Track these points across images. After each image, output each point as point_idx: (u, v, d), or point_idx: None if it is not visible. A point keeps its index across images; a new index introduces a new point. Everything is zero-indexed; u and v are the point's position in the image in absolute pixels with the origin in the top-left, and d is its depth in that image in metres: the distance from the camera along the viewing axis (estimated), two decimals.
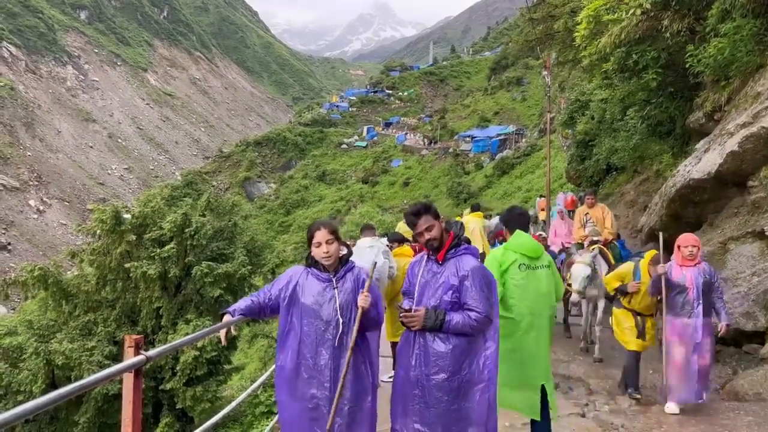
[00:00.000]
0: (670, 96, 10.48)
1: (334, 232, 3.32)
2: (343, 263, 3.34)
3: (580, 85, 23.00)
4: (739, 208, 7.53)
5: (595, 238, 7.99)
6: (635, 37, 9.25)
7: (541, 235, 9.33)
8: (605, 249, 7.89)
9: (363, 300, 3.16)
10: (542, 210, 20.96)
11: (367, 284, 3.22)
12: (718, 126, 8.24)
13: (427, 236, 3.32)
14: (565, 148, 37.18)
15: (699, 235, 8.23)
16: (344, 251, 3.38)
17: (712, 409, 5.37)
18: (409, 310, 3.27)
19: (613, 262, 7.65)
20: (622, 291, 5.84)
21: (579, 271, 6.86)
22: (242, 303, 3.38)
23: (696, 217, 8.57)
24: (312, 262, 3.36)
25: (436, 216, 3.36)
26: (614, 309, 6.05)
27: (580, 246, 8.56)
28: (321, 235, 3.28)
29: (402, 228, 15.05)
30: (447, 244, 3.34)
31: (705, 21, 8.51)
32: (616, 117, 14.28)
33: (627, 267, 6.00)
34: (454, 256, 3.33)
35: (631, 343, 5.79)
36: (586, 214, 9.34)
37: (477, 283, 3.21)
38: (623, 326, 5.87)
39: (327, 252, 3.26)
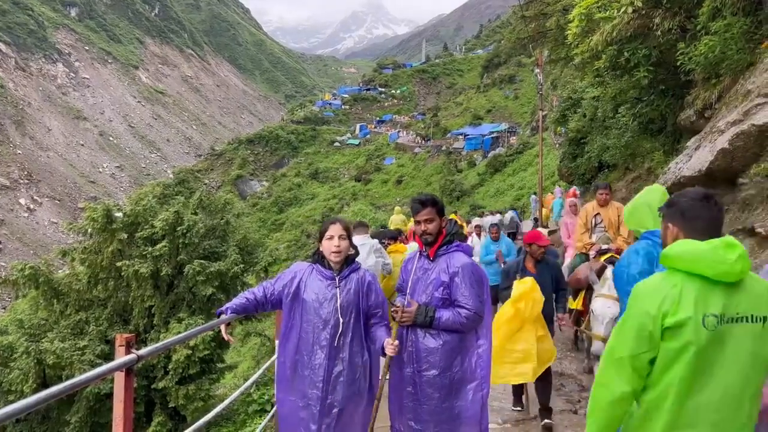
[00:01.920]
0: (662, 94, 10.53)
1: (347, 229, 3.32)
2: (348, 263, 3.31)
3: (572, 83, 23.09)
4: (730, 205, 7.57)
5: (605, 247, 6.20)
6: (627, 35, 9.29)
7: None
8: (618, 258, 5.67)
9: (392, 349, 3.14)
10: (543, 207, 20.73)
11: (393, 332, 3.20)
12: (709, 123, 8.28)
13: (424, 227, 3.34)
14: (557, 145, 37.32)
15: None
16: (352, 252, 3.36)
17: None
18: (402, 306, 3.29)
19: None
20: None
21: (604, 309, 4.83)
22: (237, 301, 3.35)
23: None
24: (318, 258, 3.33)
25: (441, 213, 3.38)
26: None
27: (585, 258, 6.65)
28: (335, 228, 3.27)
29: (394, 221, 15.10)
30: (439, 241, 3.35)
31: (696, 19, 8.55)
32: (607, 115, 14.35)
33: None
34: (446, 252, 3.34)
35: None
36: (596, 215, 7.07)
37: (467, 280, 3.22)
38: None
39: (338, 246, 3.23)
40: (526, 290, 4.94)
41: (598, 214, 7.05)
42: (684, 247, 1.98)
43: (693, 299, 1.90)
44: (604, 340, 4.70)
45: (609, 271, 5.25)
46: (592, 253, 6.38)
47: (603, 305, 4.87)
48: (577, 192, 14.79)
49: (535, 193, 24.58)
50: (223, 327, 3.26)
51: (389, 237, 7.39)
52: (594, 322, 4.94)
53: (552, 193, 20.61)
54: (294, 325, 3.26)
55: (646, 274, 2.81)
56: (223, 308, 3.31)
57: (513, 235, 19.53)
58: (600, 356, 4.84)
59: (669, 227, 2.17)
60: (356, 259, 3.40)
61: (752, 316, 1.92)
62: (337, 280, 3.25)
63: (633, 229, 3.18)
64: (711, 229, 2.04)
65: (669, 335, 1.90)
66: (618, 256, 5.72)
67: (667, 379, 1.92)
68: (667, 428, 1.92)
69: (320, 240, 3.32)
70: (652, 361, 1.94)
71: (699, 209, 2.09)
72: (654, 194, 3.22)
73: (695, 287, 1.92)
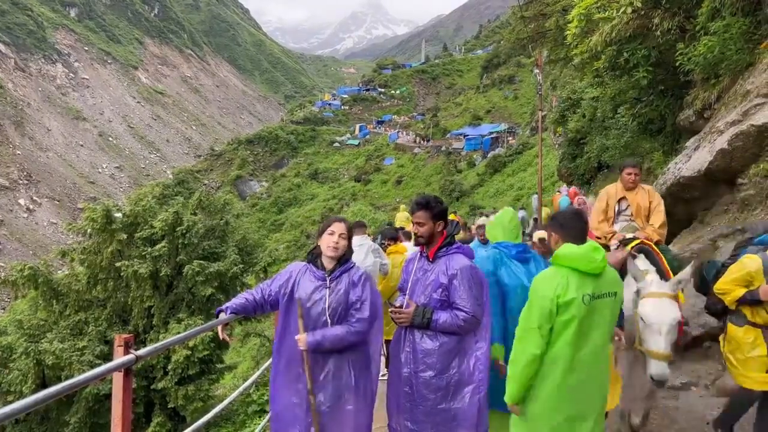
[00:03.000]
0: (661, 94, 10.54)
1: (350, 231, 3.36)
2: (341, 263, 3.32)
3: (571, 83, 23.12)
4: (729, 205, 7.58)
5: (630, 236, 4.75)
6: (626, 36, 9.30)
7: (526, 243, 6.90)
8: (653, 246, 4.43)
9: (300, 343, 3.14)
10: (544, 207, 20.56)
11: (300, 324, 3.18)
12: (708, 124, 8.29)
13: (415, 229, 3.39)
14: (557, 146, 37.32)
15: (689, 232, 8.29)
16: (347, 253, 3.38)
17: (701, 405, 5.41)
18: (401, 307, 3.29)
19: (668, 268, 4.15)
20: (752, 301, 3.91)
21: (660, 313, 3.52)
22: (236, 300, 3.36)
23: (687, 215, 8.63)
24: (312, 258, 3.34)
25: (436, 216, 3.36)
26: (731, 327, 4.09)
27: (605, 249, 4.80)
28: (339, 226, 3.31)
29: (399, 219, 15.12)
30: (439, 242, 3.35)
31: (695, 19, 8.57)
32: (607, 115, 14.37)
33: (751, 263, 3.90)
34: (446, 254, 3.33)
35: (755, 380, 3.93)
36: (620, 200, 5.17)
37: (465, 283, 3.21)
38: (746, 354, 3.96)
39: (336, 243, 3.26)
40: None
41: (623, 198, 5.15)
42: (568, 251, 2.86)
43: (575, 286, 2.80)
44: (667, 358, 3.48)
45: (641, 262, 4.09)
46: (613, 244, 4.78)
47: (657, 308, 3.55)
48: (577, 190, 14.75)
49: (536, 193, 24.56)
50: (219, 328, 3.27)
51: (389, 237, 7.40)
52: (647, 332, 3.59)
53: (559, 191, 20.51)
54: (288, 324, 3.29)
55: (489, 275, 3.62)
56: (223, 307, 3.33)
57: (521, 234, 19.35)
58: (661, 380, 3.58)
59: (552, 235, 3.08)
60: (354, 260, 3.40)
61: (609, 292, 2.90)
62: (327, 281, 3.25)
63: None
64: (580, 235, 2.94)
65: (561, 311, 2.79)
66: (648, 243, 4.53)
67: (562, 340, 2.82)
68: (564, 373, 2.82)
69: (320, 234, 3.34)
70: (551, 330, 2.83)
71: (572, 221, 3.00)
72: (506, 215, 4.11)
73: (576, 277, 2.82)
